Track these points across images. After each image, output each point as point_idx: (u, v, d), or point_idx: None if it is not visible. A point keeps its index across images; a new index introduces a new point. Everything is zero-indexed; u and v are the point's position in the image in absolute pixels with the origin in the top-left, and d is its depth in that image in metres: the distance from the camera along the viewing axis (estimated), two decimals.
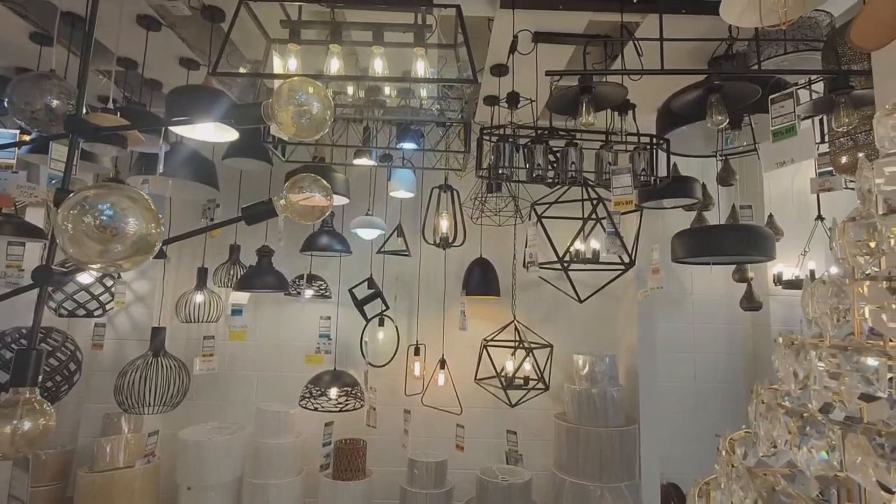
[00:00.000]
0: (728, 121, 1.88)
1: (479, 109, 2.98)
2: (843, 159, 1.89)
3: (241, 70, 2.10)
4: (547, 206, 2.91)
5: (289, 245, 3.31)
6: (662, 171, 2.47)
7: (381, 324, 3.36)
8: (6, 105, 1.34)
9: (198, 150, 2.65)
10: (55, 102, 1.34)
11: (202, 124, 1.81)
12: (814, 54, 2.04)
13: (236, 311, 3.32)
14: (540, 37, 2.25)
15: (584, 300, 3.01)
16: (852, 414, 0.76)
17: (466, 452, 3.14)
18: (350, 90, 1.97)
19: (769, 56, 2.11)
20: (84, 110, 0.99)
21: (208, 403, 3.44)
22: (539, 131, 2.37)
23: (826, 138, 2.37)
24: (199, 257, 3.36)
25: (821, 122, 2.28)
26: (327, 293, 3.36)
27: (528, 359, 2.99)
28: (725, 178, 2.84)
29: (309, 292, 3.28)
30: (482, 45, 2.43)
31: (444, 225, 3.06)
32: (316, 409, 2.96)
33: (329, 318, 3.32)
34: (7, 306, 2.57)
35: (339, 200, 2.76)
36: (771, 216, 3.10)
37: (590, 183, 2.51)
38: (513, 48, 2.21)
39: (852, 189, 1.64)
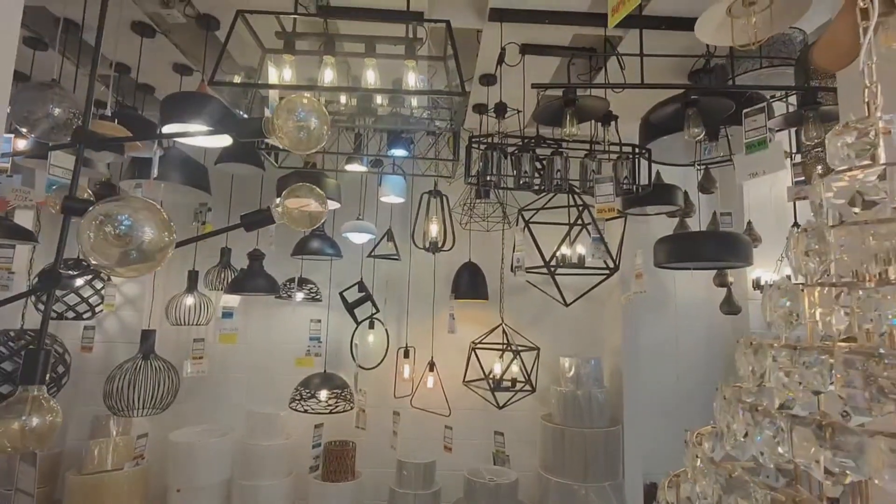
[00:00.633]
0: (705, 132, 1.96)
1: (468, 116, 3.05)
2: (819, 169, 1.99)
3: (236, 78, 2.14)
4: (534, 211, 2.99)
5: (280, 248, 3.34)
6: (645, 180, 2.56)
7: (371, 326, 3.40)
8: (8, 112, 1.37)
9: (190, 154, 2.69)
10: (57, 111, 1.38)
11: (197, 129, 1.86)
12: (788, 69, 2.14)
13: (227, 314, 3.35)
14: (527, 49, 2.33)
15: (570, 304, 3.08)
16: (812, 409, 0.83)
17: (454, 453, 3.20)
18: (343, 99, 2.02)
19: (746, 70, 2.21)
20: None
21: (198, 406, 3.45)
22: (526, 140, 2.44)
23: (801, 149, 2.48)
24: (190, 260, 3.38)
25: (796, 133, 2.38)
26: (318, 296, 3.40)
27: (515, 361, 3.05)
28: (706, 186, 2.94)
29: (300, 295, 3.32)
30: (472, 55, 2.50)
31: (434, 230, 3.12)
32: (306, 412, 2.99)
33: (319, 321, 3.36)
34: None
35: (331, 205, 2.80)
36: (750, 223, 3.20)
37: (575, 190, 2.58)
38: (500, 60, 2.29)
39: None
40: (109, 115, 1.86)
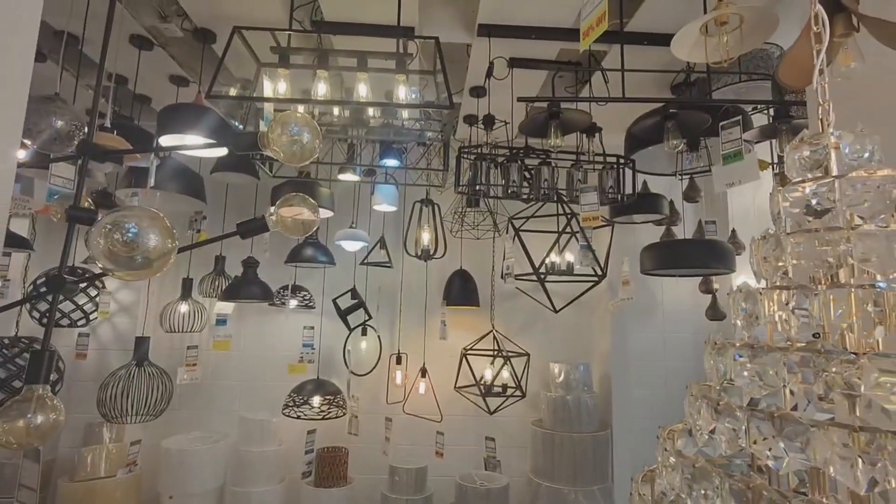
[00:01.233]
0: (685, 144, 2.04)
1: (459, 127, 3.12)
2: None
3: (232, 90, 2.20)
4: (524, 220, 3.05)
5: (274, 256, 3.39)
6: (630, 189, 2.63)
7: (364, 333, 3.44)
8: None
9: (186, 163, 2.73)
10: (59, 123, 1.43)
11: (194, 140, 1.91)
12: (766, 83, 2.22)
13: (221, 321, 3.38)
14: (515, 63, 2.40)
15: (560, 310, 3.13)
16: (779, 403, 0.89)
17: (446, 459, 3.23)
18: (336, 111, 2.08)
19: (726, 84, 2.30)
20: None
21: (191, 413, 3.47)
22: (514, 150, 2.51)
23: (780, 160, 2.57)
24: (185, 268, 3.41)
25: (776, 145, 2.46)
26: (311, 303, 3.44)
27: (506, 367, 3.10)
28: (691, 195, 3.01)
29: (293, 302, 3.36)
30: (462, 68, 2.58)
31: (426, 238, 3.18)
32: (299, 418, 3.02)
33: (313, 327, 3.40)
34: None
35: (324, 214, 2.86)
36: (734, 231, 3.28)
37: (564, 199, 2.65)
38: (489, 73, 2.36)
39: None
40: (108, 126, 1.90)
